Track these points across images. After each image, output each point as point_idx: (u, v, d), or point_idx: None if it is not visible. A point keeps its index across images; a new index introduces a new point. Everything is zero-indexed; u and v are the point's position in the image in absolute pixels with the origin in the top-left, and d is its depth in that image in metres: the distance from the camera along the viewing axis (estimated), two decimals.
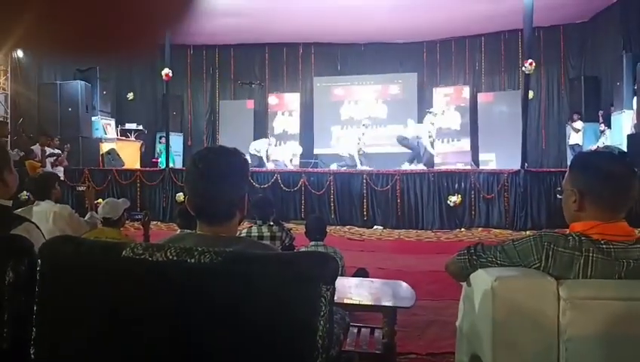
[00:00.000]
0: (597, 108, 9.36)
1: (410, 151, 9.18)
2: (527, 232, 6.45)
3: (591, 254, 1.32)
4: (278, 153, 10.26)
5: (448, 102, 10.87)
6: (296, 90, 11.82)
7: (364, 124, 9.73)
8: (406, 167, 8.72)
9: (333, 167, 9.22)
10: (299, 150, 10.61)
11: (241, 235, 3.48)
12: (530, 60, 7.37)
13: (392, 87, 11.33)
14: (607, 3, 9.15)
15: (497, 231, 7.43)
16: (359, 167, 8.98)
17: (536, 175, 7.61)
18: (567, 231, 1.43)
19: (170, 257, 0.99)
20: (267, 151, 10.02)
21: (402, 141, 9.12)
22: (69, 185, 8.34)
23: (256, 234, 3.44)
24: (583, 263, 1.32)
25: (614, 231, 1.35)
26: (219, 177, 1.20)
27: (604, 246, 1.33)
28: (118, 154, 9.88)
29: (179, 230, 3.41)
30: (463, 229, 7.66)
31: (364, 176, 8.20)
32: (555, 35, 10.38)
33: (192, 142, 11.96)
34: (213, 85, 12.05)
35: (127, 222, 3.58)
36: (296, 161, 10.55)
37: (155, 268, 0.99)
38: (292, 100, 11.67)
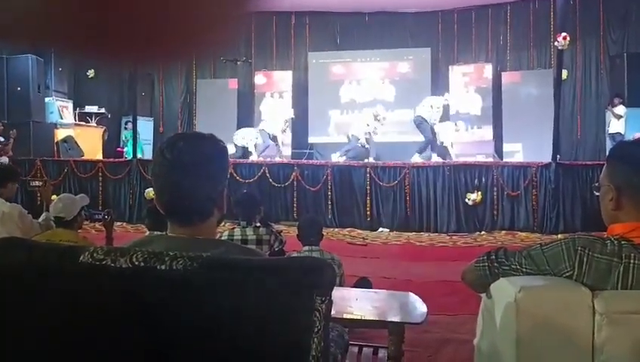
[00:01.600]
0: None
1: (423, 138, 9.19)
2: (559, 236, 6.48)
3: (632, 261, 1.33)
4: (266, 124, 10.22)
5: (467, 82, 10.87)
6: (287, 67, 11.80)
7: (376, 117, 9.55)
8: (416, 158, 8.74)
9: (336, 157, 9.17)
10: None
11: (222, 238, 3.49)
12: (563, 34, 7.38)
13: (401, 65, 11.33)
14: None
15: (524, 234, 7.48)
16: (367, 160, 8.99)
17: (570, 169, 7.66)
18: (605, 234, 1.44)
19: (137, 263, 0.99)
20: (255, 146, 10.03)
21: (420, 124, 9.09)
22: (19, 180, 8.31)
23: (240, 237, 3.45)
24: (623, 272, 1.33)
25: None
26: (192, 168, 1.19)
27: None
28: (76, 143, 9.84)
29: (147, 232, 3.41)
30: (483, 232, 7.71)
31: (368, 169, 8.22)
32: (593, 4, 10.34)
33: (164, 129, 11.93)
34: (190, 61, 12.00)
35: (86, 222, 3.57)
36: (289, 136, 10.63)
37: (119, 276, 0.98)
38: (283, 80, 11.66)
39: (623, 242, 1.37)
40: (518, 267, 1.48)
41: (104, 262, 1.00)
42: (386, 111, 10.27)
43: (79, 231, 3.28)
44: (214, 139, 1.27)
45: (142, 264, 0.99)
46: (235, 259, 1.05)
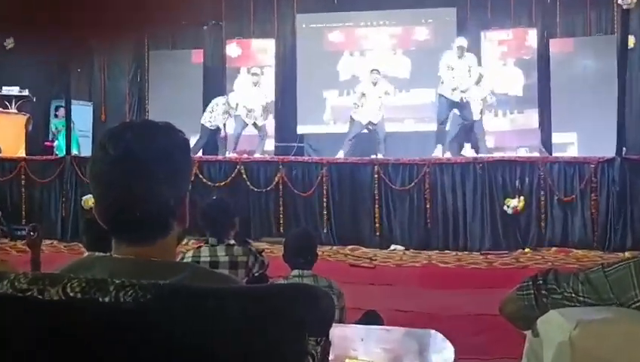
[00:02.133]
0: None
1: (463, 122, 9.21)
2: (626, 254, 6.52)
3: None
4: (242, 109, 10.24)
5: (505, 53, 10.92)
6: (269, 34, 11.81)
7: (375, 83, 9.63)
8: (440, 152, 8.79)
9: (340, 155, 9.17)
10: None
11: (184, 260, 3.48)
12: None
13: (418, 31, 11.37)
14: None
15: (580, 252, 7.51)
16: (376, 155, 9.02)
17: None
18: None
19: (72, 294, 0.98)
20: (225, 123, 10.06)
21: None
22: None
23: (208, 258, 3.45)
24: None
25: None
26: (143, 168, 1.18)
27: None
28: None
29: (86, 252, 3.40)
30: (527, 250, 7.73)
31: (376, 167, 8.24)
32: None
33: (107, 117, 11.90)
34: (140, 26, 11.97)
35: (4, 240, 3.57)
36: (271, 126, 10.68)
37: (48, 312, 0.98)
38: (263, 50, 11.66)
39: None
40: (574, 295, 1.49)
41: (29, 293, 0.99)
42: (399, 91, 10.30)
43: None
44: (172, 130, 1.25)
45: (79, 295, 0.98)
46: (202, 289, 1.05)
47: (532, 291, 1.57)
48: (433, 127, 9.82)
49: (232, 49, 11.75)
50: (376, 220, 8.16)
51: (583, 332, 1.35)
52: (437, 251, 7.82)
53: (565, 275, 1.56)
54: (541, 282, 1.57)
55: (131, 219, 1.20)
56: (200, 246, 3.59)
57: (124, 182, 1.18)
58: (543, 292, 1.55)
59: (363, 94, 9.55)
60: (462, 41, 9.35)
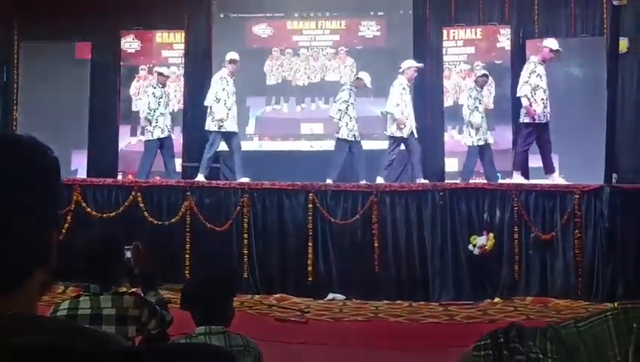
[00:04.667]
0: None
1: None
2: (616, 305, 6.67)
3: None
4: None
5: (472, 55, 11.14)
6: (177, 25, 11.76)
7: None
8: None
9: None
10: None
11: (58, 313, 3.40)
12: None
13: (365, 26, 11.52)
14: None
15: (562, 302, 7.66)
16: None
17: (634, 195, 7.95)
18: None
19: None
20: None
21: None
22: None
23: (89, 311, 3.37)
24: None
25: None
26: None
27: None
28: None
29: None
30: (497, 299, 7.84)
31: (310, 195, 8.25)
32: None
33: None
34: (5, 8, 11.74)
35: None
36: (177, 142, 10.60)
37: None
38: (169, 45, 11.61)
39: None
40: (541, 356, 1.49)
41: None
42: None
43: None
44: (36, 146, 1.22)
45: None
46: (67, 350, 1.02)
47: (491, 351, 1.58)
48: (382, 145, 9.91)
49: (129, 42, 11.62)
50: (310, 262, 8.17)
51: None
52: (386, 301, 7.85)
53: (531, 330, 1.56)
54: (502, 340, 1.57)
55: None
56: (79, 296, 3.50)
57: None
58: (505, 352, 1.56)
59: (347, 105, 9.58)
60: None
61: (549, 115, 9.03)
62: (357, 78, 9.92)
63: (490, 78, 10.01)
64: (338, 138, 9.52)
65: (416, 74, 9.50)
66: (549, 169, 8.91)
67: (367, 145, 10.60)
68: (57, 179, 1.24)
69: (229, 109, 9.46)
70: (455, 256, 8.05)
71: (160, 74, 10.29)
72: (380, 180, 8.98)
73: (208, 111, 9.57)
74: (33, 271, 1.19)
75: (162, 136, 9.83)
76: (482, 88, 9.75)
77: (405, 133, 9.20)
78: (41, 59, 11.53)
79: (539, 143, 9.00)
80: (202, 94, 11.28)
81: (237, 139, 9.67)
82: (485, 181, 9.00)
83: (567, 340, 1.51)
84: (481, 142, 9.38)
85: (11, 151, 1.18)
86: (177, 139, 11.09)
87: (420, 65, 9.65)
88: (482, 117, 9.45)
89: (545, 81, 8.98)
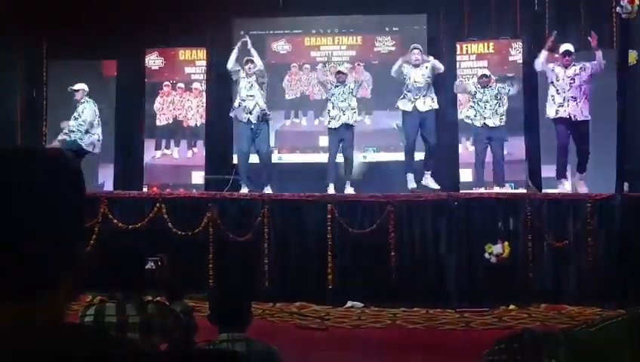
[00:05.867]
0: None
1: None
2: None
3: None
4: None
5: (484, 69, 11.09)
6: (199, 43, 11.83)
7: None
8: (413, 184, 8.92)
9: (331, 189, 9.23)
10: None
11: (82, 318, 3.44)
12: None
13: (380, 41, 11.54)
14: None
15: (575, 309, 7.64)
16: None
17: None
18: None
19: None
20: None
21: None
22: None
23: (115, 319, 3.39)
24: None
25: None
26: (17, 203, 1.16)
27: None
28: None
29: None
30: (512, 306, 7.83)
31: (329, 206, 8.28)
32: None
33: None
34: (36, 28, 11.83)
35: None
36: (199, 155, 10.58)
37: None
38: (192, 62, 11.69)
39: None
40: (553, 361, 1.51)
41: None
42: (359, 114, 10.43)
43: None
44: (62, 159, 1.24)
45: None
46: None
47: (505, 356, 1.58)
48: (399, 156, 9.94)
49: (153, 60, 11.72)
50: (329, 271, 8.18)
51: None
52: (403, 309, 7.85)
53: (544, 336, 1.58)
54: (516, 344, 1.58)
55: (3, 269, 1.16)
56: (103, 303, 3.52)
57: None
58: (518, 357, 1.56)
59: (328, 98, 9.71)
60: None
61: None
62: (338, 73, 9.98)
63: (493, 80, 9.97)
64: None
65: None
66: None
67: (383, 157, 10.64)
68: (82, 191, 1.25)
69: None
70: (471, 264, 8.04)
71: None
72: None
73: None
74: (59, 280, 1.21)
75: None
76: (485, 88, 9.72)
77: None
78: (69, 76, 11.60)
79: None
80: (224, 109, 11.38)
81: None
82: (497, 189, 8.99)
83: (580, 345, 1.54)
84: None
85: (39, 164, 1.21)
86: (200, 152, 11.21)
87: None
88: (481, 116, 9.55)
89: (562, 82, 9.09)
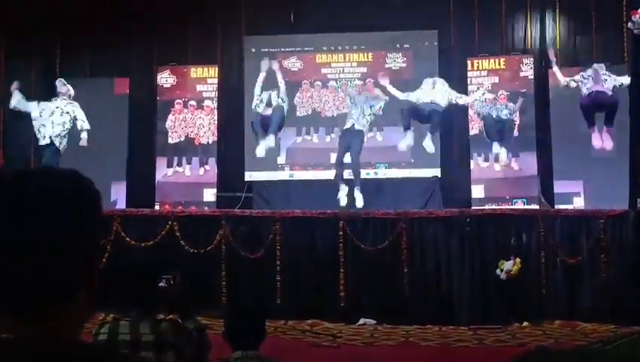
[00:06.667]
0: None
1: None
2: None
3: None
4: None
5: (495, 84, 11.11)
6: (211, 61, 11.84)
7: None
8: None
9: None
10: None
11: (96, 336, 3.41)
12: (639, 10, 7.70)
13: (391, 58, 11.54)
14: None
15: (589, 326, 7.58)
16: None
17: None
18: None
19: None
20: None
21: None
22: None
23: (128, 337, 3.37)
24: None
25: None
26: (40, 219, 1.16)
27: None
28: None
29: None
30: (525, 323, 7.78)
31: (341, 223, 8.24)
32: None
33: (5, 160, 11.66)
34: (49, 45, 11.90)
35: None
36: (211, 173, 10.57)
37: None
38: (203, 80, 11.70)
39: None
40: None
41: None
42: (370, 130, 10.40)
43: None
44: (79, 179, 1.26)
45: None
46: None
47: None
48: (411, 173, 9.95)
49: (165, 77, 11.72)
50: (341, 288, 8.15)
51: None
52: (416, 326, 7.82)
53: (559, 354, 1.55)
54: None
55: (17, 280, 1.16)
56: (118, 321, 3.50)
57: (9, 235, 1.16)
58: None
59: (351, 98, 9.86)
60: None
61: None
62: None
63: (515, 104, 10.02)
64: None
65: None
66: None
67: (394, 173, 10.62)
68: (99, 209, 1.27)
69: None
70: (483, 281, 8.02)
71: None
72: None
73: None
74: (75, 294, 1.20)
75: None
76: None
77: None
78: (82, 94, 11.64)
79: None
80: (235, 126, 11.40)
81: None
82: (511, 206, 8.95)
83: None
84: None
85: (56, 184, 1.22)
86: (211, 169, 11.21)
87: None
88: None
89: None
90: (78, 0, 11.39)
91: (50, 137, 9.15)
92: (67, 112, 9.38)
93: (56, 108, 9.33)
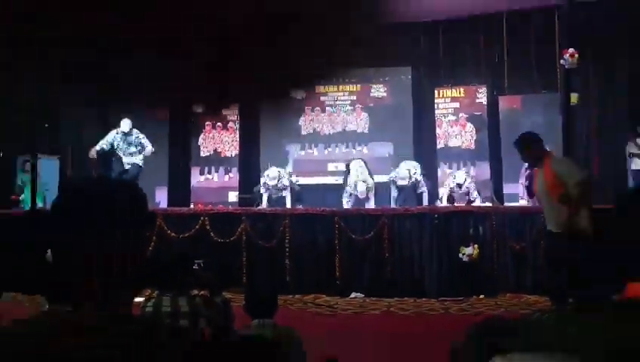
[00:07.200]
0: None
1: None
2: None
3: None
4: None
5: (457, 109, 11.16)
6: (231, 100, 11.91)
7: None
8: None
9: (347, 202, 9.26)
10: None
11: (144, 309, 3.45)
12: (570, 50, 7.74)
13: (375, 88, 11.60)
14: None
15: (533, 298, 7.61)
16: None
17: None
18: None
19: None
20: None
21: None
22: None
23: (169, 308, 3.41)
24: None
25: None
26: (105, 218, 1.21)
27: None
28: None
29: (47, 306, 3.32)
30: (482, 296, 7.81)
31: (336, 218, 8.26)
32: (608, 11, 10.00)
33: (75, 171, 11.71)
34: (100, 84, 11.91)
35: None
36: (234, 178, 10.63)
37: None
38: (227, 107, 11.75)
39: None
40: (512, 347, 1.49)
41: None
42: (357, 145, 10.43)
43: None
44: (135, 185, 1.35)
45: None
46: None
47: (476, 340, 1.56)
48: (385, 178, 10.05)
49: (197, 107, 11.86)
50: (337, 269, 8.16)
51: None
52: (396, 298, 7.83)
53: (508, 323, 1.56)
54: (483, 330, 1.56)
55: (90, 270, 1.20)
56: (160, 298, 3.54)
57: (83, 233, 1.22)
58: (486, 340, 1.55)
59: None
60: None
61: None
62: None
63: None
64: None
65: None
66: None
67: (378, 178, 10.66)
68: (146, 208, 1.35)
69: None
70: (449, 262, 8.02)
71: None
72: None
73: None
74: (132, 277, 1.25)
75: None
76: None
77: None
78: (135, 121, 11.64)
79: None
80: (252, 143, 11.44)
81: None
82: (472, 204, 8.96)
83: (533, 331, 1.51)
84: None
85: (122, 190, 1.31)
86: (234, 176, 11.27)
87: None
88: None
89: None
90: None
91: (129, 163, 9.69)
92: (139, 143, 9.82)
93: (128, 141, 9.78)
